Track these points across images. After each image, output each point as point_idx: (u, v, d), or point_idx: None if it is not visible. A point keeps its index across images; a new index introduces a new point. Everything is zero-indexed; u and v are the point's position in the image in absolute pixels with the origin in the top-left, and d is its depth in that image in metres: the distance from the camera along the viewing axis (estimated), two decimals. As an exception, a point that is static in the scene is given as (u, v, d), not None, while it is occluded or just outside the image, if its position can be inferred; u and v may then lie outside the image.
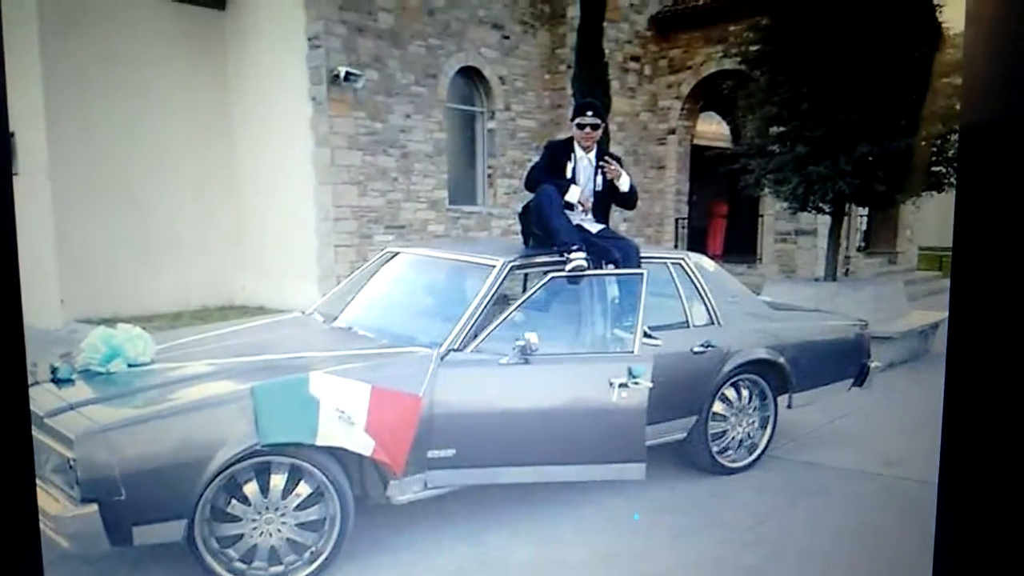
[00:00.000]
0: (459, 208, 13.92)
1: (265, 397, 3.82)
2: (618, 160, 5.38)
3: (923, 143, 9.26)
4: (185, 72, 12.43)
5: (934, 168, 9.73)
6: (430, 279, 5.75)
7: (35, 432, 3.44)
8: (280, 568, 3.96)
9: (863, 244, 15.76)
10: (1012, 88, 0.97)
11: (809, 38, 9.02)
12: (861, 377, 6.41)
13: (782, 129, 9.66)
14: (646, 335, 4.80)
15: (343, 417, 3.93)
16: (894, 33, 8.74)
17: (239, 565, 3.88)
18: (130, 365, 4.26)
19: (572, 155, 5.33)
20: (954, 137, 9.38)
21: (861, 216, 15.18)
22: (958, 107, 6.58)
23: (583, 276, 4.91)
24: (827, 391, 6.27)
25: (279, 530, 3.93)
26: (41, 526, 3.27)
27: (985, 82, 1.02)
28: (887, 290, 10.40)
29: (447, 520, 4.73)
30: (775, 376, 5.85)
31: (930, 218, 18.75)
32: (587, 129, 5.27)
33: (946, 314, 2.46)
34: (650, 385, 4.57)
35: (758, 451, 5.85)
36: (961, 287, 1.07)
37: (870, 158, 8.87)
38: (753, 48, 10.02)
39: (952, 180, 9.78)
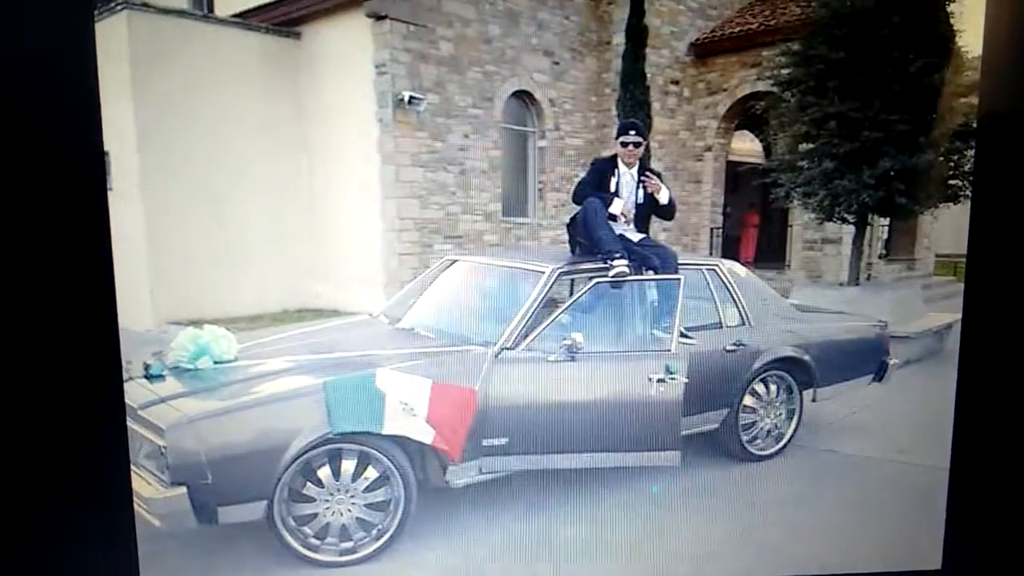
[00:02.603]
0: (512, 220, 13.91)
1: (337, 391, 3.88)
2: (658, 175, 5.37)
3: (941, 159, 9.12)
4: (263, 95, 12.52)
5: (951, 182, 9.57)
6: (485, 284, 5.75)
7: (130, 422, 3.51)
8: (350, 544, 4.01)
9: (884, 252, 15.44)
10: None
11: (836, 62, 8.93)
12: (880, 373, 6.30)
13: (811, 146, 9.54)
14: (682, 335, 4.80)
15: (407, 409, 3.98)
16: (915, 56, 8.62)
17: (313, 541, 3.95)
18: (216, 362, 4.33)
19: (616, 171, 5.32)
20: (970, 153, 9.24)
21: (882, 226, 14.89)
22: (974, 126, 6.48)
23: (625, 281, 4.91)
24: (849, 386, 6.16)
25: (349, 510, 3.99)
26: (135, 506, 3.35)
27: (1000, 102, 1.00)
28: (905, 293, 10.22)
29: (500, 502, 4.74)
30: (801, 372, 5.77)
31: (946, 228, 18.38)
32: (630, 147, 5.26)
33: (959, 315, 2.43)
34: (685, 380, 4.58)
35: (784, 440, 5.77)
36: (974, 291, 1.05)
37: (892, 172, 8.75)
38: (784, 71, 9.90)
39: (967, 193, 9.62)
